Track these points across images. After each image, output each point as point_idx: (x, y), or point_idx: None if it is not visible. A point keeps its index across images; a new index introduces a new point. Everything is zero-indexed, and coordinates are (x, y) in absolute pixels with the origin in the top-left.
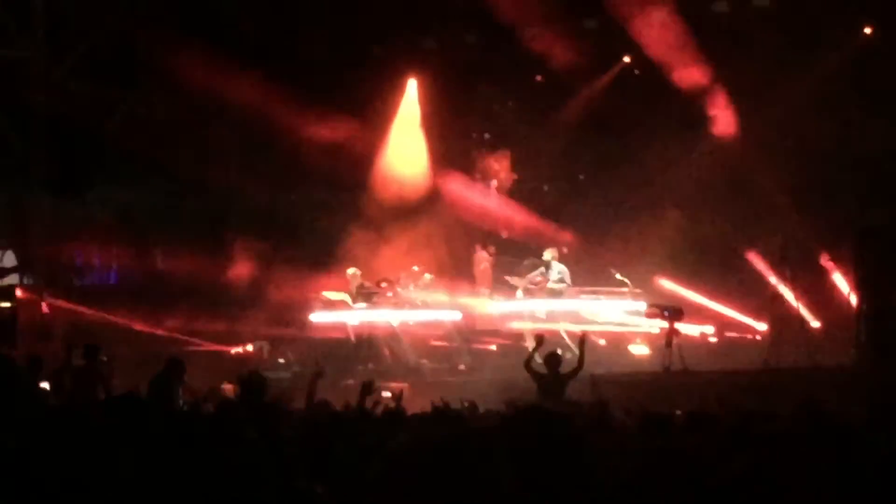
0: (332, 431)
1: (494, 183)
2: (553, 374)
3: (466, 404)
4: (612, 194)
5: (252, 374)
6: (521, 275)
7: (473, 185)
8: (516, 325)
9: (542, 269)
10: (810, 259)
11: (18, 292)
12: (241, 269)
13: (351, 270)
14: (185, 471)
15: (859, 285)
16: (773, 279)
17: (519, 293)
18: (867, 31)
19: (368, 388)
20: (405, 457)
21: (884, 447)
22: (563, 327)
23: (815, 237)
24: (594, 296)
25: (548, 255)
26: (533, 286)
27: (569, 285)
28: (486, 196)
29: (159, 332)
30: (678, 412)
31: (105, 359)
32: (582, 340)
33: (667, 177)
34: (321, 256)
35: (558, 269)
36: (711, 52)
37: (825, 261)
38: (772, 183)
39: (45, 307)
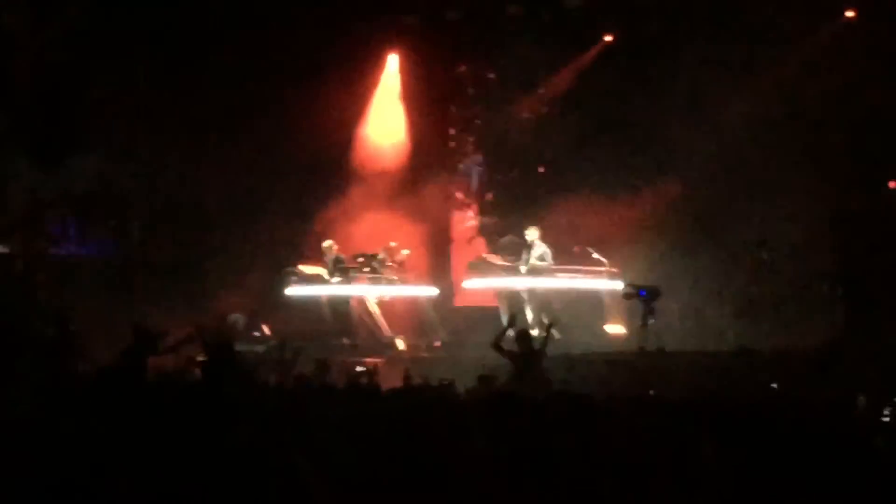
0: (310, 406)
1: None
2: (526, 352)
3: (445, 382)
4: (591, 171)
5: (221, 342)
6: (500, 253)
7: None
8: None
9: (525, 248)
10: (787, 243)
11: None
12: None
13: (327, 243)
14: (166, 444)
15: (837, 268)
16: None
17: (522, 269)
18: (849, 14)
19: (323, 367)
20: (379, 432)
21: (859, 431)
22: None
23: (794, 219)
24: (571, 274)
25: (530, 234)
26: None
27: (550, 265)
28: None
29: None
30: (651, 392)
31: (74, 329)
32: (549, 324)
33: (651, 153)
34: (299, 230)
35: (541, 249)
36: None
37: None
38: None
39: None
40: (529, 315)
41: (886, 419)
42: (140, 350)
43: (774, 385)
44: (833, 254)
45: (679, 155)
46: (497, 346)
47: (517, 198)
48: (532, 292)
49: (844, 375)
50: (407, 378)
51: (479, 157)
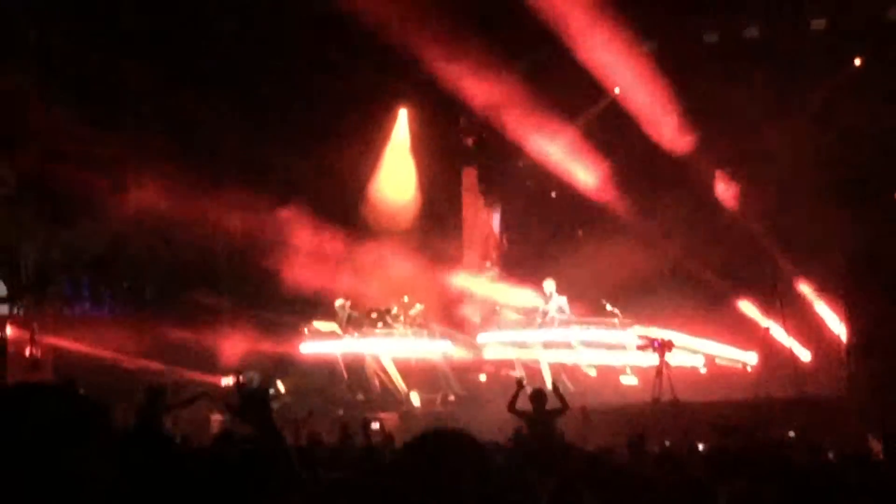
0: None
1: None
2: (539, 412)
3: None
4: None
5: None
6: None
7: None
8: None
9: (543, 301)
10: (800, 292)
11: (8, 329)
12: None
13: (339, 301)
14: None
15: (848, 319)
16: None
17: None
18: (857, 62)
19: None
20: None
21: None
22: (545, 359)
23: (805, 272)
24: (584, 326)
25: (548, 286)
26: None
27: (566, 314)
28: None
29: (149, 364)
30: (666, 443)
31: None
32: (555, 385)
33: (651, 211)
34: (313, 287)
35: (558, 302)
36: (701, 84)
37: (812, 294)
38: (759, 219)
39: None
40: (546, 371)
41: None
42: (153, 408)
43: (791, 433)
44: (847, 302)
45: (689, 204)
46: (511, 408)
47: (532, 250)
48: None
49: (857, 423)
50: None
51: (493, 211)
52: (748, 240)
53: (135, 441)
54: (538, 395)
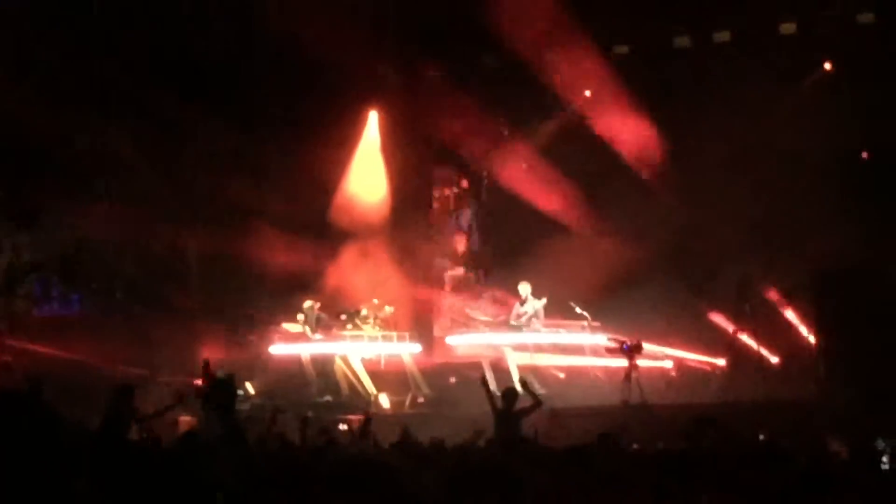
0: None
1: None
2: (508, 409)
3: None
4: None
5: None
6: (482, 307)
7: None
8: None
9: (518, 303)
10: (768, 297)
11: None
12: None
13: (307, 304)
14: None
15: (817, 321)
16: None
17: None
18: (826, 66)
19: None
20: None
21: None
22: (513, 361)
23: (773, 273)
24: (554, 329)
25: (523, 289)
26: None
27: (541, 319)
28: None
29: (119, 365)
30: (634, 446)
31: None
32: (524, 383)
33: (622, 212)
34: (282, 288)
35: (535, 305)
36: (673, 89)
37: (781, 297)
38: (728, 221)
39: None
40: (513, 370)
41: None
42: (121, 414)
43: (762, 436)
44: (815, 306)
45: (659, 208)
46: (484, 383)
47: (502, 251)
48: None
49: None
50: (405, 435)
51: (463, 212)
52: (718, 244)
53: (98, 445)
54: (509, 394)
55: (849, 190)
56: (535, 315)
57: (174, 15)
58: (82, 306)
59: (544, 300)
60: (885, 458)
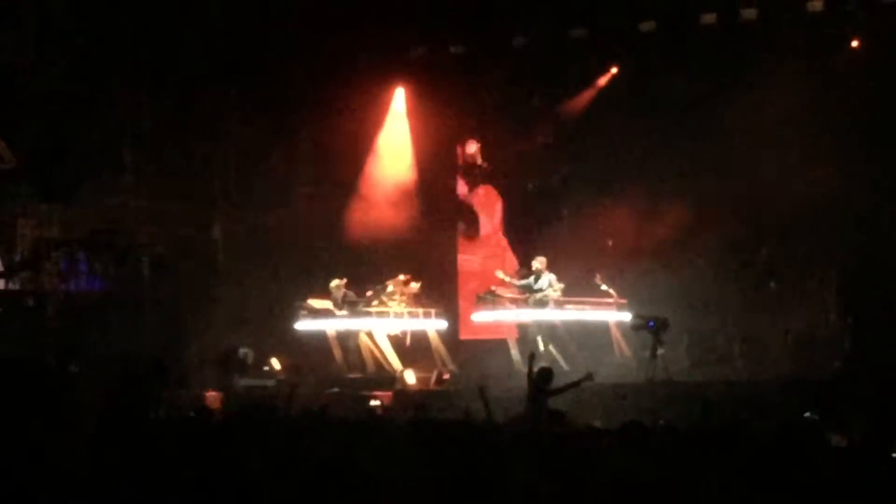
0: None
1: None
2: (541, 387)
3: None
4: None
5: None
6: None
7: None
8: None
9: (532, 278)
10: (794, 273)
11: None
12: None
13: (334, 283)
14: (178, 480)
15: (843, 297)
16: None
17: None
18: (854, 44)
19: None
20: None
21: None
22: (540, 338)
23: (800, 252)
24: (579, 306)
25: (536, 264)
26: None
27: (557, 291)
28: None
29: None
30: (661, 422)
31: (76, 368)
32: (588, 376)
33: (659, 184)
34: (310, 266)
35: (548, 279)
36: (699, 65)
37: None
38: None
39: None
40: (541, 345)
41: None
42: (154, 383)
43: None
44: (842, 284)
45: (688, 186)
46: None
47: (526, 229)
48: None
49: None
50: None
51: (488, 189)
52: (745, 220)
53: (113, 416)
54: (544, 372)
55: (879, 168)
56: (550, 286)
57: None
58: (108, 283)
59: (553, 275)
60: None
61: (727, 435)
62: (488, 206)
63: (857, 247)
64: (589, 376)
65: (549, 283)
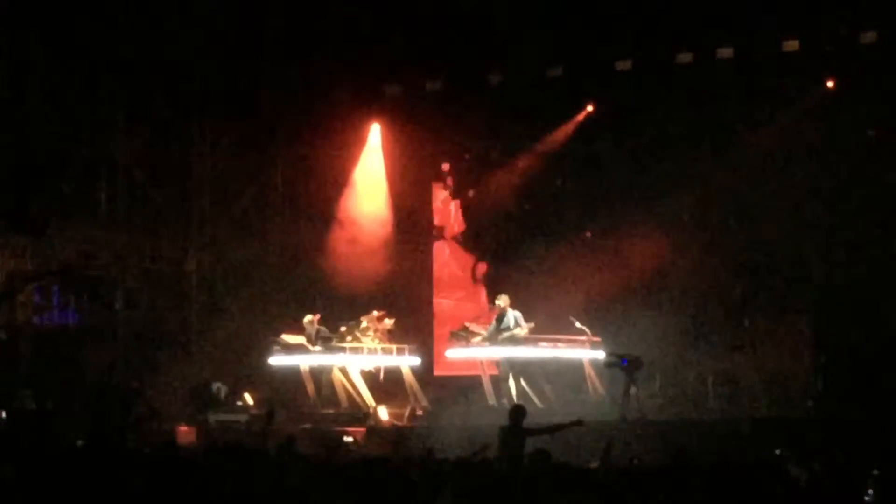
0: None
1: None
2: (514, 426)
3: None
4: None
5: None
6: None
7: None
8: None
9: (495, 318)
10: (768, 311)
11: None
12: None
13: (307, 318)
14: None
15: (816, 336)
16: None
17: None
18: (829, 84)
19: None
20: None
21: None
22: (511, 375)
23: (773, 290)
24: (553, 344)
25: (499, 302)
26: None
27: (524, 327)
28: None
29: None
30: (635, 461)
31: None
32: (578, 422)
33: (632, 222)
34: (283, 301)
35: (513, 316)
36: (674, 103)
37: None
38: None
39: None
40: (512, 385)
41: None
42: (124, 417)
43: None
44: (814, 323)
45: (663, 223)
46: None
47: (497, 267)
48: (511, 362)
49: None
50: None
51: (462, 227)
52: (718, 260)
53: (97, 451)
54: (517, 410)
55: (854, 207)
56: (517, 323)
57: (180, 31)
58: (81, 317)
59: (518, 312)
60: (869, 492)
61: (699, 474)
62: (461, 246)
63: (830, 286)
64: (578, 422)
65: (514, 320)
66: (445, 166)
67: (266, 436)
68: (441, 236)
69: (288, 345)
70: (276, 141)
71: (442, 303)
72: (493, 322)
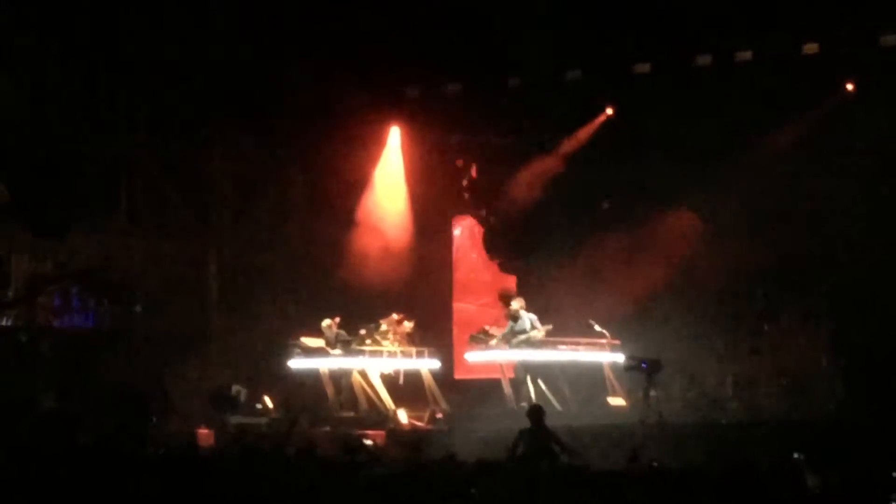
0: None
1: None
2: (536, 427)
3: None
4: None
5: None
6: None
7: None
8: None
9: (511, 322)
10: (788, 314)
11: None
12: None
13: (325, 322)
14: None
15: (836, 340)
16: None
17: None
18: (849, 87)
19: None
20: None
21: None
22: (529, 378)
23: (793, 294)
24: (572, 347)
25: (515, 305)
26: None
27: (541, 330)
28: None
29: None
30: (654, 464)
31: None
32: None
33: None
34: (304, 304)
35: (529, 319)
36: (693, 106)
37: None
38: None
39: None
40: (531, 388)
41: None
42: (138, 419)
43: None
44: (835, 326)
45: (682, 226)
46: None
47: (517, 270)
48: (529, 365)
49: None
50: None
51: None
52: (736, 264)
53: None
54: (535, 410)
55: (874, 210)
56: (534, 327)
57: (202, 33)
58: (101, 320)
59: (534, 315)
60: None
61: (722, 477)
62: (482, 248)
63: (850, 290)
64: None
65: (530, 323)
66: (462, 163)
67: (288, 438)
68: (463, 238)
69: (308, 348)
70: (296, 144)
71: (465, 307)
72: (509, 324)
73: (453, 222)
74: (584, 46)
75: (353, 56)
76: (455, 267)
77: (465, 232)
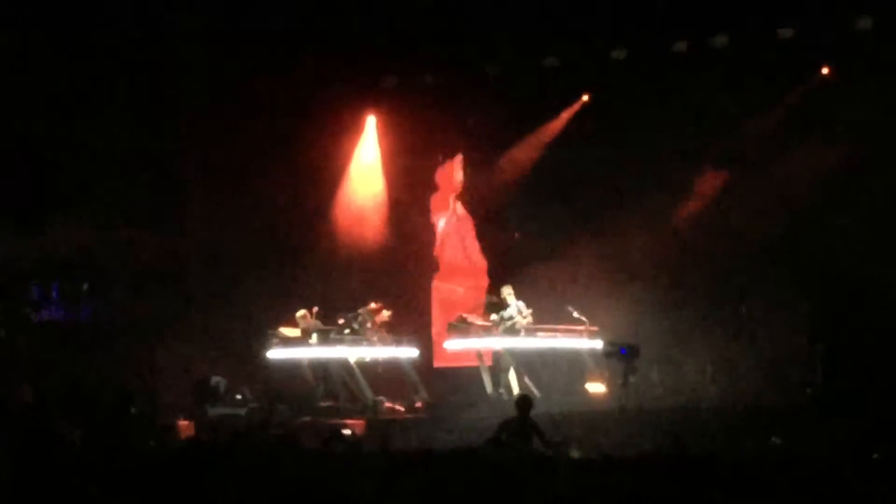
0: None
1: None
2: (522, 417)
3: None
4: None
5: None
6: (478, 311)
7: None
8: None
9: (498, 310)
10: (766, 299)
11: None
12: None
13: (300, 313)
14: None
15: (814, 324)
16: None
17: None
18: (825, 71)
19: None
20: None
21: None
22: (510, 365)
23: (772, 278)
24: (551, 333)
25: (505, 291)
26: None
27: (527, 318)
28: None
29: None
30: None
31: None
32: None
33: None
34: (282, 294)
35: (517, 306)
36: (668, 95)
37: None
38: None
39: None
40: (513, 375)
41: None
42: (120, 415)
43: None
44: (813, 311)
45: (657, 212)
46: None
47: (498, 256)
48: (510, 353)
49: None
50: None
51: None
52: (714, 248)
53: (99, 451)
54: (523, 400)
55: (843, 195)
56: (520, 313)
57: (175, 21)
58: (80, 313)
59: (522, 302)
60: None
61: (697, 463)
62: (464, 234)
63: (828, 274)
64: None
65: (518, 310)
66: (439, 150)
67: (266, 429)
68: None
69: (286, 338)
70: (271, 134)
71: (452, 289)
72: (500, 313)
73: (432, 208)
74: (561, 33)
75: (329, 44)
76: (440, 250)
77: (446, 217)
